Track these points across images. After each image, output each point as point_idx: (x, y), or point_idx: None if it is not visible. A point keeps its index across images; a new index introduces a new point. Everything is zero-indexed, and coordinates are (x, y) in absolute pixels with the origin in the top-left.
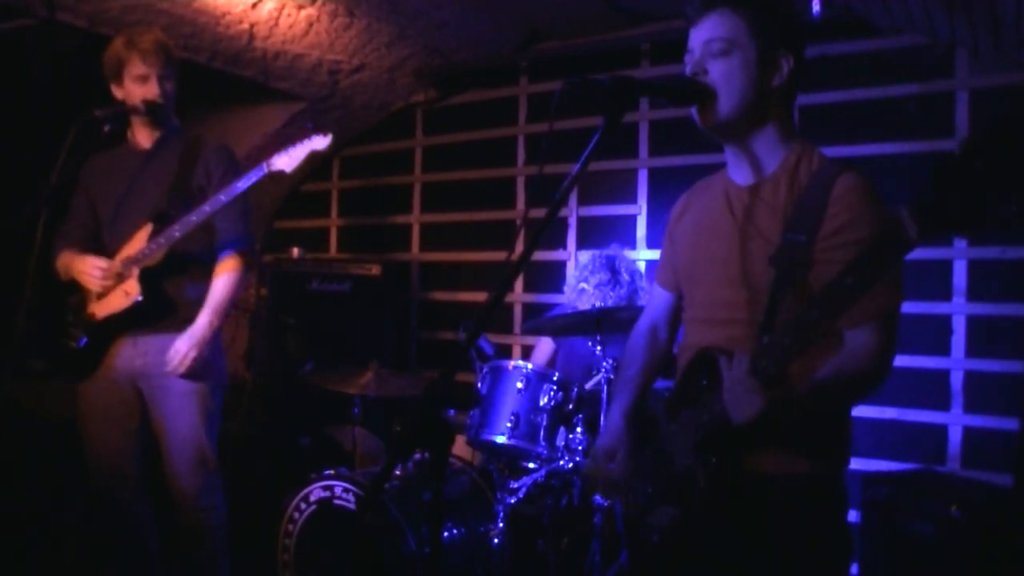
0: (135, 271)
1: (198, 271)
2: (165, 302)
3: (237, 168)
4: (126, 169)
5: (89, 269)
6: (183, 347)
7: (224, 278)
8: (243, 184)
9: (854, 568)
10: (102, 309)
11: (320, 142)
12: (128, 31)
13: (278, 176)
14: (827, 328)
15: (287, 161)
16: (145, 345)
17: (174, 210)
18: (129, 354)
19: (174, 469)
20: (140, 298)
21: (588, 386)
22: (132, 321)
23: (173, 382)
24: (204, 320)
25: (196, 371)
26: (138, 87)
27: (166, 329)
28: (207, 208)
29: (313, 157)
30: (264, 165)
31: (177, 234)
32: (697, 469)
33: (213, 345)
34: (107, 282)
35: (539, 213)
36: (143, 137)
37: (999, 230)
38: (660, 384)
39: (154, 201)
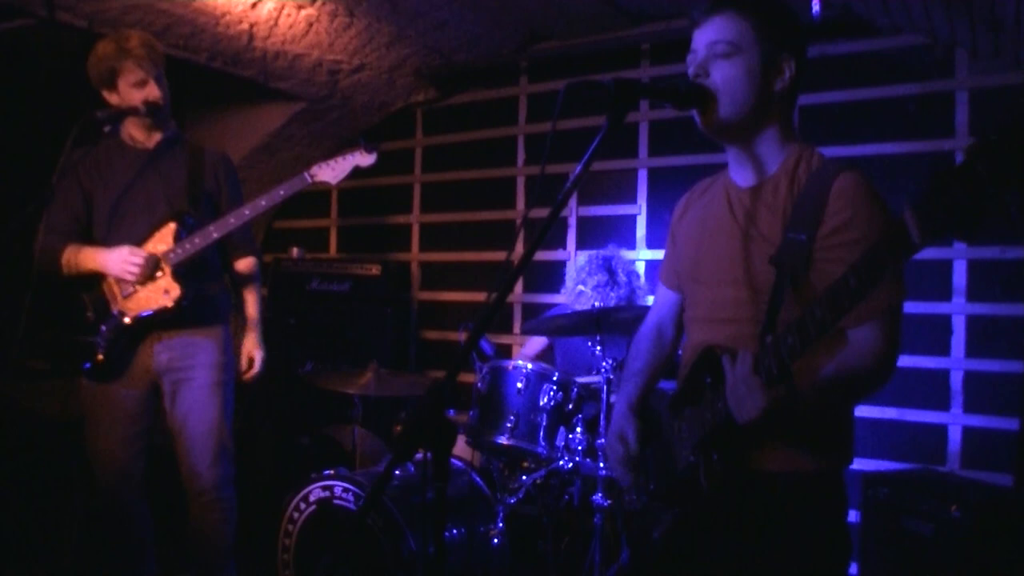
0: (167, 269)
1: (211, 271)
2: (192, 301)
3: (237, 176)
4: (127, 166)
5: (128, 257)
6: (259, 354)
7: (257, 285)
8: (285, 191)
9: (854, 568)
10: (136, 307)
11: (365, 159)
12: (112, 36)
13: (321, 186)
14: (829, 328)
15: (331, 174)
16: (170, 340)
17: (194, 212)
18: (156, 350)
19: (196, 462)
20: (180, 297)
21: (584, 381)
22: (163, 320)
23: (198, 375)
24: (258, 325)
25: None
26: (137, 92)
27: (189, 326)
28: (247, 212)
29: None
30: (307, 175)
31: (215, 235)
32: (699, 466)
33: (229, 342)
34: (145, 274)
35: (539, 213)
36: (143, 136)
37: (1000, 232)
38: (663, 385)
39: (165, 201)
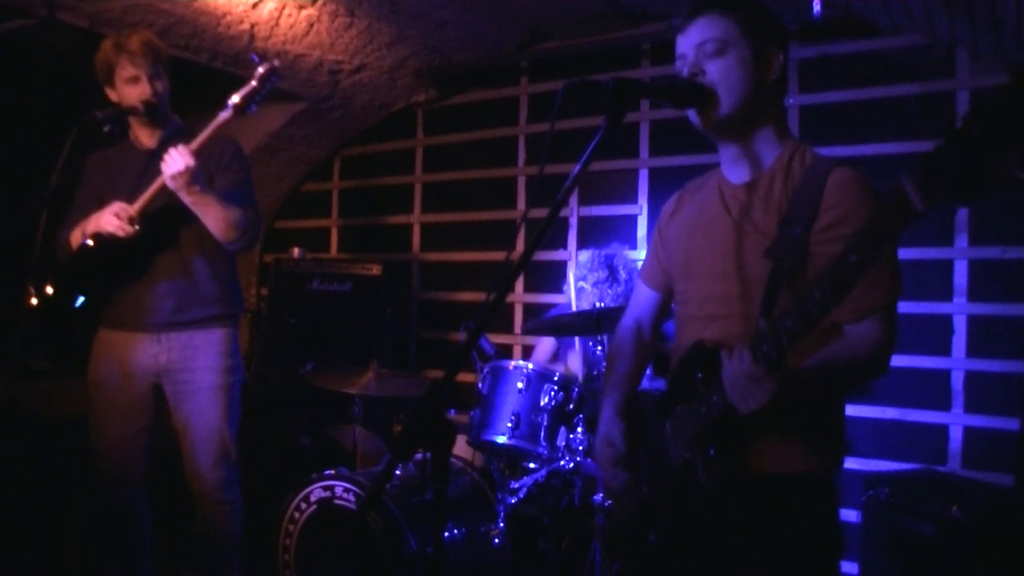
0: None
1: (214, 270)
2: (186, 298)
3: (244, 158)
4: (131, 169)
5: (106, 214)
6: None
7: (228, 207)
8: (223, 116)
9: (855, 568)
10: (92, 227)
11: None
12: (116, 34)
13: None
14: (830, 307)
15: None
16: (168, 342)
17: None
18: (153, 351)
19: (198, 464)
20: (136, 228)
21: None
22: (121, 242)
23: (199, 378)
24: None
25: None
26: (131, 88)
27: (187, 327)
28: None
29: (310, 160)
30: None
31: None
32: (696, 462)
33: (234, 345)
34: (124, 224)
35: (540, 213)
36: (145, 136)
37: (1002, 192)
38: (648, 385)
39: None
